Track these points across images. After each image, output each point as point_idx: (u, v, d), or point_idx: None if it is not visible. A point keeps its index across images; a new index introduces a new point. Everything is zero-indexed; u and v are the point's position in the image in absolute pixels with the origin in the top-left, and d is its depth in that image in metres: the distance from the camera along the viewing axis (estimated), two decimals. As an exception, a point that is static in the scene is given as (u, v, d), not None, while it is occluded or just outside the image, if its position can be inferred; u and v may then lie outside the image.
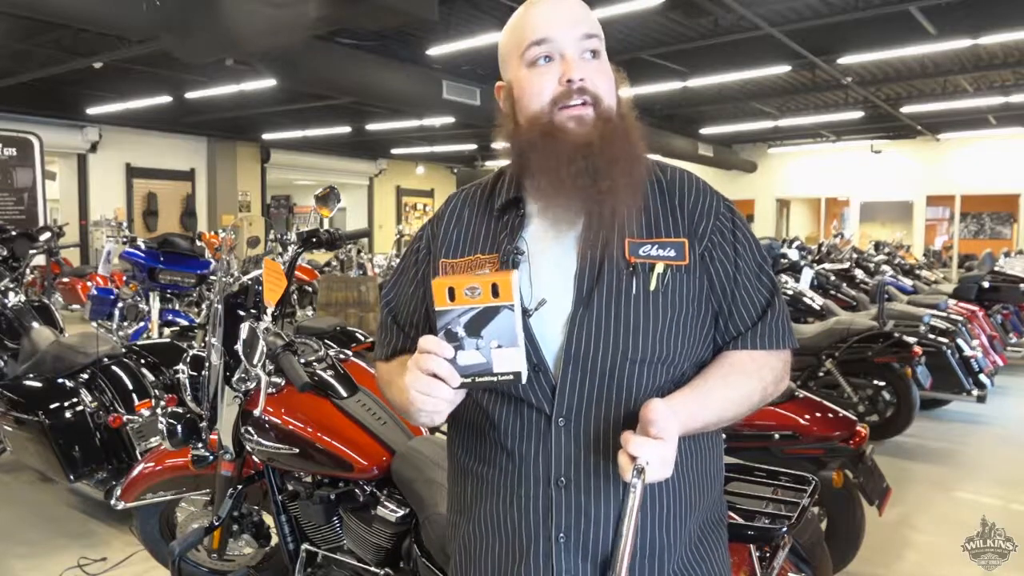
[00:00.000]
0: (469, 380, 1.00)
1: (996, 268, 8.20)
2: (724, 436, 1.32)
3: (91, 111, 12.40)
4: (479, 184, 1.30)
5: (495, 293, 0.97)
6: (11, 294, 4.66)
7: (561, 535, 1.11)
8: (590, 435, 1.10)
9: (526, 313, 1.12)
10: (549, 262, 1.14)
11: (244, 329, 2.08)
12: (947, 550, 3.40)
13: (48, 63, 9.25)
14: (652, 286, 1.11)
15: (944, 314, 6.01)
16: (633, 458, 0.97)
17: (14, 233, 5.25)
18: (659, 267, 1.12)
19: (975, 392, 5.46)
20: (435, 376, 1.00)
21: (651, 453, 0.97)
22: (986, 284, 7.27)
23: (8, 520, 3.74)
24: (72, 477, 3.56)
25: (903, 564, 3.36)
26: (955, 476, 4.55)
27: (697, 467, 1.18)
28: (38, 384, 3.74)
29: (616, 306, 1.10)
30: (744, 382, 1.14)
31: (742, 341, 1.16)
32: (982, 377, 5.54)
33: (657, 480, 1.00)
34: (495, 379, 0.99)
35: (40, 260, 8.33)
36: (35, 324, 4.41)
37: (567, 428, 1.10)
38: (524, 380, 1.01)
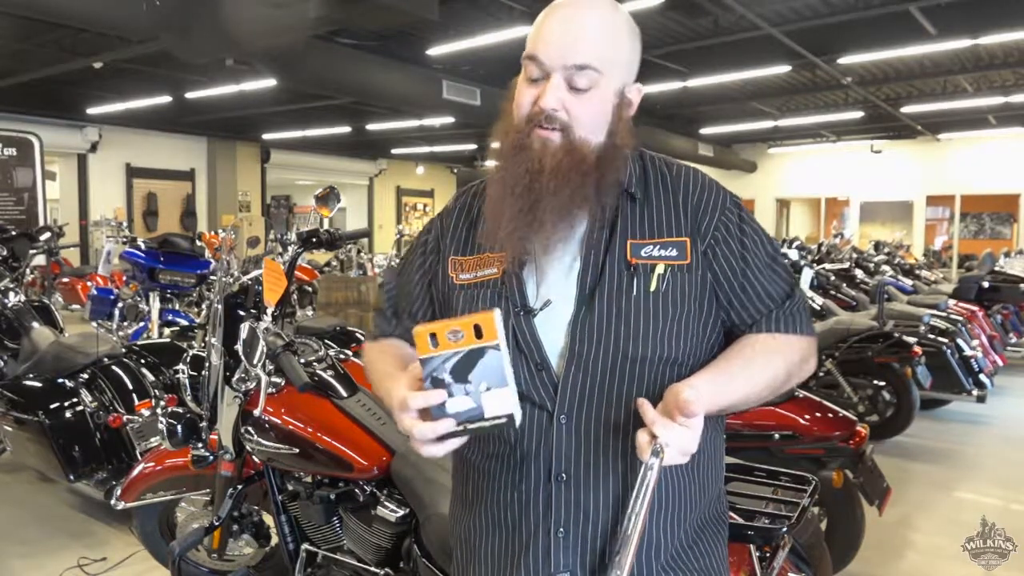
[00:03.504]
0: (460, 428, 0.96)
1: (996, 268, 8.21)
2: (724, 436, 1.32)
3: (91, 111, 12.40)
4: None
5: (478, 334, 0.93)
6: (11, 294, 4.65)
7: (561, 530, 1.12)
8: (591, 433, 1.11)
9: (531, 313, 1.13)
10: (555, 262, 1.15)
11: (244, 329, 2.08)
12: (947, 550, 3.40)
13: (48, 63, 9.25)
14: (652, 287, 1.12)
15: (944, 314, 6.01)
16: (654, 437, 0.96)
17: (14, 233, 5.26)
18: (660, 267, 1.13)
19: (975, 392, 5.46)
20: (427, 419, 0.98)
21: (674, 438, 0.96)
22: (986, 284, 7.27)
23: (8, 520, 3.74)
24: (72, 477, 3.56)
25: (903, 564, 3.36)
26: (955, 476, 4.55)
27: (699, 465, 1.18)
28: (38, 384, 3.74)
29: (617, 307, 1.11)
30: (768, 361, 1.13)
31: (758, 326, 1.16)
32: (982, 377, 5.54)
33: (672, 464, 0.98)
34: (487, 424, 0.96)
35: (40, 260, 8.33)
36: (35, 324, 4.41)
37: (568, 425, 1.11)
38: (518, 423, 0.97)
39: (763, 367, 1.13)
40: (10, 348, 4.39)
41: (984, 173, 14.78)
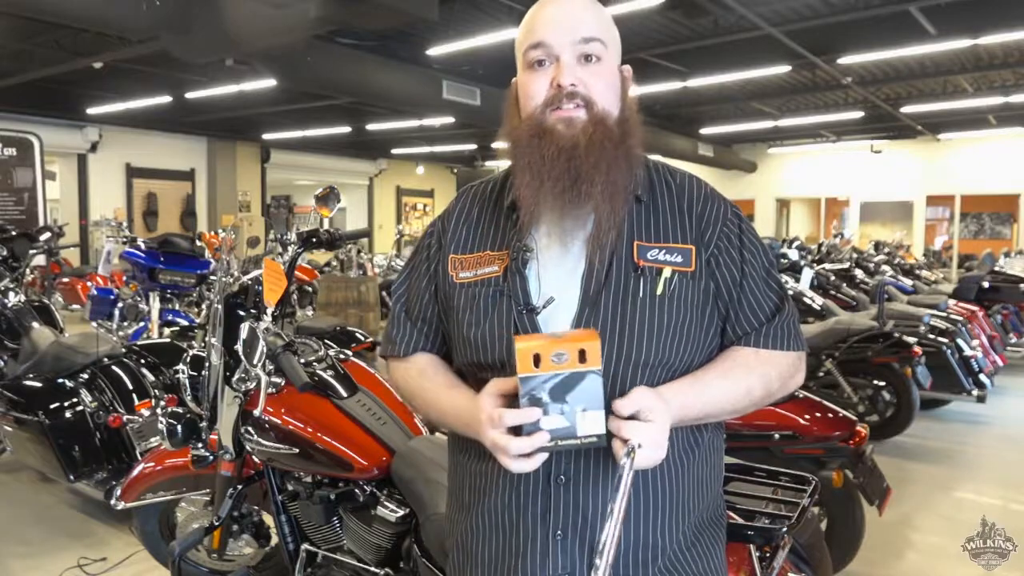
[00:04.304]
0: (552, 444, 0.99)
1: (996, 268, 8.21)
2: (724, 436, 1.32)
3: (91, 111, 12.40)
4: (489, 181, 1.30)
5: (582, 358, 0.96)
6: (11, 294, 4.65)
7: (559, 532, 1.12)
8: None
9: (534, 311, 1.13)
10: (557, 261, 1.15)
11: (244, 329, 2.08)
12: (947, 550, 3.40)
13: (48, 63, 9.25)
14: (659, 290, 1.12)
15: (944, 314, 6.01)
16: (625, 441, 0.99)
17: (14, 233, 5.24)
18: (666, 272, 1.13)
19: (975, 392, 5.46)
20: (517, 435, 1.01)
21: (643, 435, 0.99)
22: (986, 284, 7.27)
23: (8, 520, 3.74)
24: (72, 477, 3.56)
25: (903, 564, 3.36)
26: (955, 476, 4.55)
27: (696, 470, 1.18)
28: (38, 384, 3.74)
29: (622, 308, 1.11)
30: (745, 376, 1.15)
31: (746, 340, 1.18)
32: (982, 377, 5.54)
33: (649, 464, 1.01)
34: (579, 442, 0.99)
35: (40, 260, 8.33)
36: (35, 324, 4.41)
37: None
38: (605, 443, 1.01)
39: (738, 380, 1.14)
40: (10, 348, 4.39)
41: (984, 173, 14.78)
